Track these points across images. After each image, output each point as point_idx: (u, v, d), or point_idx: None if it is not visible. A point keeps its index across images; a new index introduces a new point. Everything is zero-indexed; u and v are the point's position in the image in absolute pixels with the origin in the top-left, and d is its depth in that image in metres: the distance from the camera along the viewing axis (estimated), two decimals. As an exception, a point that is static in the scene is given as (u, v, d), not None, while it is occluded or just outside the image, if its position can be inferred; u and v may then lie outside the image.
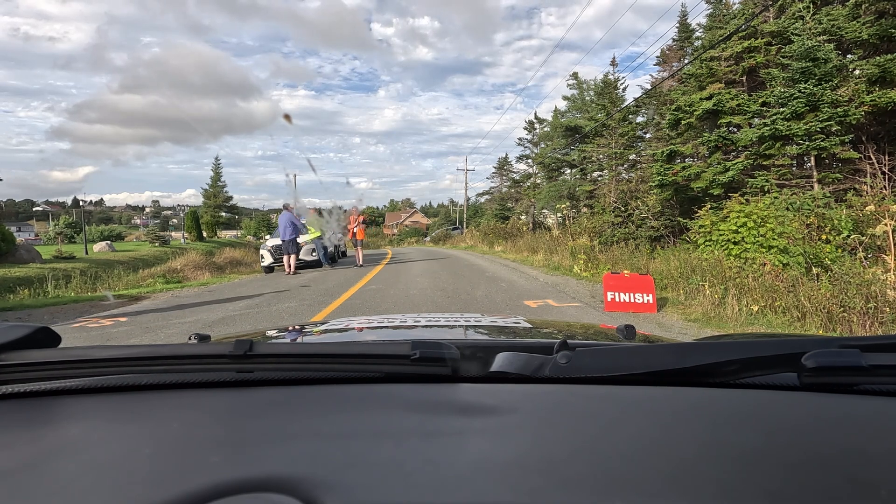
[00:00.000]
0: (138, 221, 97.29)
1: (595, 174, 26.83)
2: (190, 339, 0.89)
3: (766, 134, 12.04)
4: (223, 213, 43.74)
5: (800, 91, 11.63)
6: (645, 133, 24.43)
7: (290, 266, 11.41)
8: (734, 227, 8.09)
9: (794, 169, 12.41)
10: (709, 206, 8.86)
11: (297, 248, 11.72)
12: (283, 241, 11.44)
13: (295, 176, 31.25)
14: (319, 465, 0.46)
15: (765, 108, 13.32)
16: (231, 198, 42.64)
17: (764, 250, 7.93)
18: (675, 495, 0.40)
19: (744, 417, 0.57)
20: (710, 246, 8.47)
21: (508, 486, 0.42)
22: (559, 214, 30.01)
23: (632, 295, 5.52)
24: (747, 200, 8.37)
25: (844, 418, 0.56)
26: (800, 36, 12.18)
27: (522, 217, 35.75)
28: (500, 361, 0.69)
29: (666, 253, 11.65)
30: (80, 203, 27.39)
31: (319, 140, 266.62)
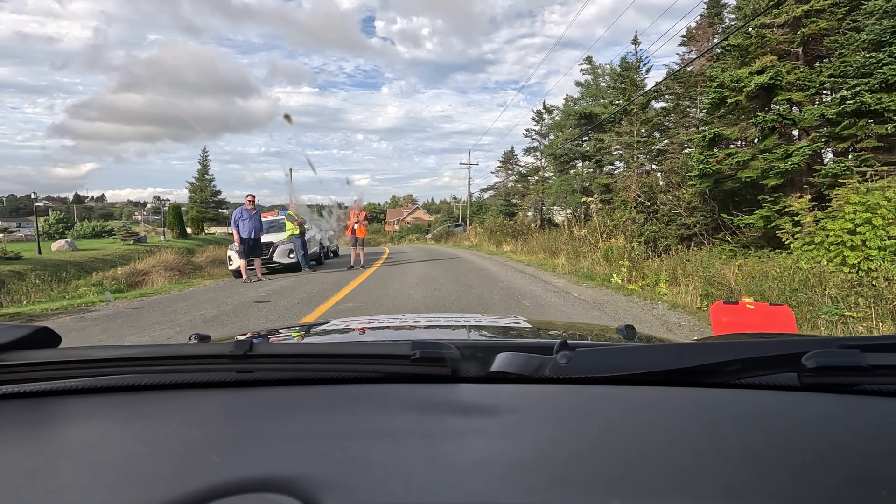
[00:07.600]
0: (139, 217, 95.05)
1: (611, 166, 24.53)
2: (190, 339, 0.87)
3: (846, 110, 9.74)
4: (221, 210, 41.58)
5: (891, 56, 9.32)
6: (669, 120, 22.07)
7: (245, 272, 9.26)
8: (850, 226, 5.84)
9: (878, 154, 10.08)
10: (808, 197, 6.56)
11: (260, 251, 9.51)
12: (241, 239, 9.13)
13: (291, 170, 29.00)
14: (319, 465, 0.46)
15: (837, 80, 11.01)
16: (219, 192, 40.20)
17: (894, 257, 5.68)
18: (675, 495, 0.40)
19: (744, 417, 0.56)
20: (810, 250, 6.22)
21: (508, 486, 0.42)
22: (569, 210, 27.72)
23: (760, 339, 3.29)
24: (869, 188, 6.07)
25: (845, 418, 0.55)
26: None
27: (529, 213, 33.43)
28: (499, 361, 0.67)
29: (727, 256, 9.39)
30: (34, 196, 25.12)
31: (323, 137, 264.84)
